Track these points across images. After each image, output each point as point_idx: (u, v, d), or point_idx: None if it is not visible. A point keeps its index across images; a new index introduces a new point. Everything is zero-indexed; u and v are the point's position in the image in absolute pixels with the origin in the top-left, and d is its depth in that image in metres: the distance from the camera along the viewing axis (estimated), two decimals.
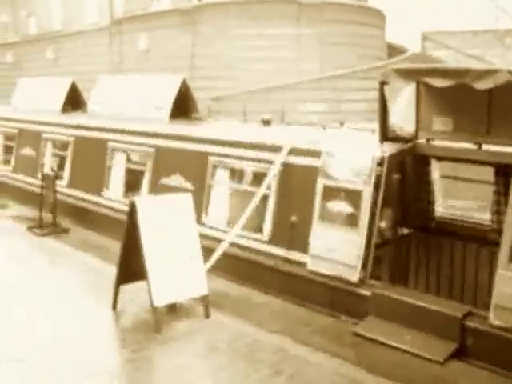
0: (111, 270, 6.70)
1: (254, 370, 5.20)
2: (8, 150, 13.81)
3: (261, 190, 7.48)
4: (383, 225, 6.66)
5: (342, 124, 8.37)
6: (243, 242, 7.63)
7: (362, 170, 6.57)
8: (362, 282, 6.48)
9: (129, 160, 10.47)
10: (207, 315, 6.27)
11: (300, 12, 23.42)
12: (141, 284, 6.22)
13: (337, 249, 6.63)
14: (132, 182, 10.21)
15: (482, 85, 5.68)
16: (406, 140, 6.95)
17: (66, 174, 11.51)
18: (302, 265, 7.01)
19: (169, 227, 6.15)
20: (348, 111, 20.38)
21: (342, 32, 23.82)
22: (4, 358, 5.38)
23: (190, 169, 8.71)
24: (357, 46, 24.10)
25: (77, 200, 10.96)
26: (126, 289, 6.47)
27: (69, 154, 11.57)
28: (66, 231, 10.13)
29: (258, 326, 6.21)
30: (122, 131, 10.36)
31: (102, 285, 7.02)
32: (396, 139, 6.91)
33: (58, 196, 10.22)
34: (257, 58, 22.81)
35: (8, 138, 13.89)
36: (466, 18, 27.27)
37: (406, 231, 7.30)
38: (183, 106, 10.47)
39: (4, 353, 5.49)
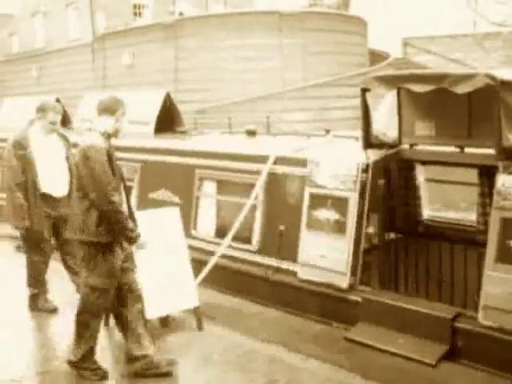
0: None
1: (248, 380, 5.21)
2: None
3: (249, 201, 7.52)
4: (370, 230, 6.71)
5: (327, 132, 8.42)
6: (232, 252, 7.65)
7: (348, 177, 6.64)
8: (351, 288, 6.53)
9: None
10: (200, 327, 6.28)
11: (281, 22, 23.61)
12: None
13: (326, 256, 6.68)
14: None
15: (460, 89, 5.76)
16: (389, 146, 7.03)
17: None
18: (292, 273, 7.05)
19: (158, 240, 6.17)
20: (334, 119, 20.52)
21: (324, 40, 24.03)
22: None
23: (178, 182, 8.73)
24: (339, 53, 24.32)
25: None
26: None
27: None
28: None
29: (250, 335, 6.22)
30: None
31: None
32: (380, 145, 6.98)
33: None
34: (240, 69, 22.95)
35: None
36: (445, 23, 27.59)
37: (393, 236, 7.34)
38: (168, 120, 10.50)
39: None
